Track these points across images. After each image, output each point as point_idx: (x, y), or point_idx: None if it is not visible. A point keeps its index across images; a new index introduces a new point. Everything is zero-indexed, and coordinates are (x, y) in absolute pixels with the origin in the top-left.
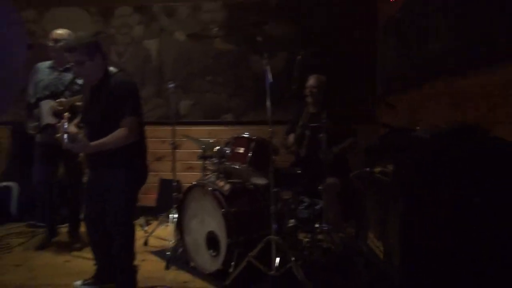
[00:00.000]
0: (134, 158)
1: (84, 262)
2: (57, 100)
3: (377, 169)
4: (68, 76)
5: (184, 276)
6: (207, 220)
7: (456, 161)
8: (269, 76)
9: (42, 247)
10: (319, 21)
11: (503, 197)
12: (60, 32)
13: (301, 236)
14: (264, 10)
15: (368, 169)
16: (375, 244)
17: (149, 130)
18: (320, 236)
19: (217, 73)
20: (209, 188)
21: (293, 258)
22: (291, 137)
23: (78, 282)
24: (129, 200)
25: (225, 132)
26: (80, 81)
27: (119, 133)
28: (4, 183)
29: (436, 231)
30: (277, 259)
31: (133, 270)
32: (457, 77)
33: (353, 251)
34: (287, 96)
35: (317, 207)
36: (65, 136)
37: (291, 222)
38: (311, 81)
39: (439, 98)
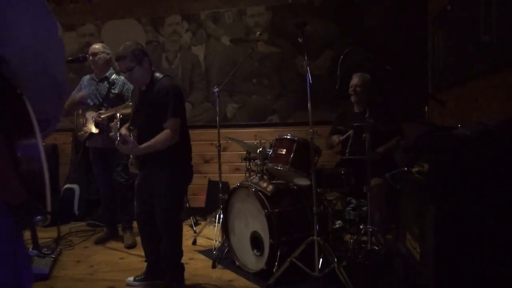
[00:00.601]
0: (178, 158)
1: (137, 259)
2: (97, 112)
3: (415, 169)
4: (103, 86)
5: (229, 275)
6: (251, 220)
7: (495, 161)
8: (309, 77)
9: (99, 241)
10: (367, 18)
11: None
12: (97, 46)
13: (347, 237)
14: (307, 10)
15: (405, 168)
16: (413, 245)
17: (197, 133)
18: (364, 238)
19: (262, 76)
20: (252, 189)
21: (336, 260)
22: (335, 137)
23: (130, 278)
24: (174, 199)
25: (270, 133)
26: (115, 91)
27: (162, 135)
28: (68, 185)
29: (470, 234)
30: (320, 260)
31: (181, 267)
32: (509, 72)
33: (394, 252)
34: (331, 96)
35: (364, 208)
36: (117, 136)
37: (338, 223)
38: (355, 79)
39: (492, 92)
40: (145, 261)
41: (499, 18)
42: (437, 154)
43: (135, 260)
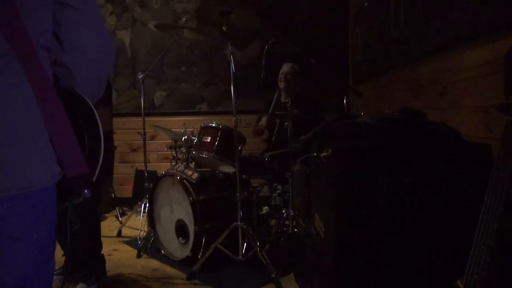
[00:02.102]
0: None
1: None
2: None
3: (323, 154)
4: None
5: (154, 263)
6: (176, 208)
7: (388, 145)
8: (233, 67)
9: None
10: (294, 11)
11: (437, 179)
12: None
13: (273, 222)
14: (236, 1)
15: (314, 153)
16: (319, 225)
17: (124, 121)
18: (287, 222)
19: (191, 63)
20: (178, 177)
21: (258, 244)
22: (265, 120)
23: None
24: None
25: (199, 122)
26: None
27: None
28: None
29: (365, 213)
30: (244, 245)
31: (101, 259)
32: (415, 65)
33: (306, 233)
34: (256, 86)
35: (289, 194)
36: None
37: (265, 209)
38: (285, 68)
39: (402, 84)
40: (63, 255)
41: (406, 16)
42: (339, 139)
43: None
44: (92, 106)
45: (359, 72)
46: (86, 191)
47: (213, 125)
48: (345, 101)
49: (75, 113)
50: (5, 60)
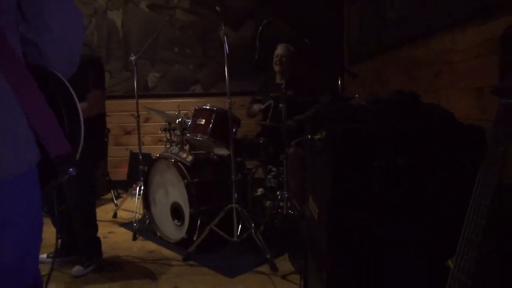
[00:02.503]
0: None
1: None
2: None
3: (317, 136)
4: None
5: (150, 245)
6: (171, 191)
7: (383, 128)
8: (226, 48)
9: None
10: None
11: (430, 161)
12: None
13: (268, 203)
14: None
15: (309, 136)
16: (313, 207)
17: (117, 103)
18: (282, 203)
19: (184, 44)
20: (172, 160)
21: (253, 225)
22: (256, 106)
23: (43, 255)
24: (82, 173)
25: (193, 104)
26: None
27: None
28: None
29: (360, 194)
30: (239, 227)
31: (97, 241)
32: (411, 46)
33: (300, 215)
34: (251, 67)
35: (283, 176)
36: None
37: (259, 190)
38: (279, 49)
39: (397, 65)
40: (58, 238)
41: None
42: (333, 122)
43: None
44: (68, 84)
45: (354, 52)
46: (71, 169)
47: (207, 107)
48: (339, 82)
49: (51, 92)
50: None
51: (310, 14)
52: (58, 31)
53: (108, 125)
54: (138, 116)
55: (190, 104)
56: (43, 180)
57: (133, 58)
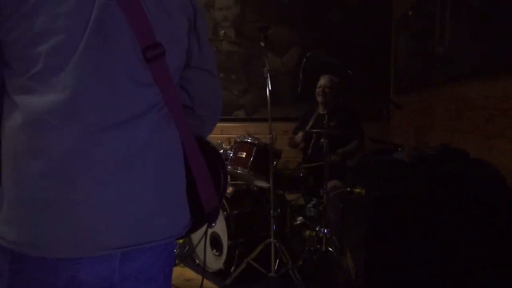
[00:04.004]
0: None
1: None
2: None
3: (356, 190)
4: None
5: (188, 273)
6: None
7: (426, 189)
8: (269, 84)
9: None
10: (331, 16)
11: (473, 235)
12: None
13: (307, 233)
14: (274, 8)
15: (348, 189)
16: (350, 264)
17: None
18: (321, 235)
19: (229, 70)
20: None
21: (290, 261)
22: (300, 135)
23: None
24: None
25: (236, 129)
26: None
27: None
28: None
29: (396, 261)
30: (277, 261)
31: None
32: (460, 84)
33: (339, 263)
34: (294, 98)
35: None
36: None
37: (299, 219)
38: (323, 80)
39: (444, 102)
40: None
41: (451, 32)
42: (373, 178)
43: None
44: (216, 149)
45: (401, 82)
46: (213, 224)
47: (249, 140)
48: (384, 113)
49: (210, 160)
50: (162, 114)
51: (357, 40)
52: (215, 105)
53: None
54: None
55: (233, 128)
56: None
57: None
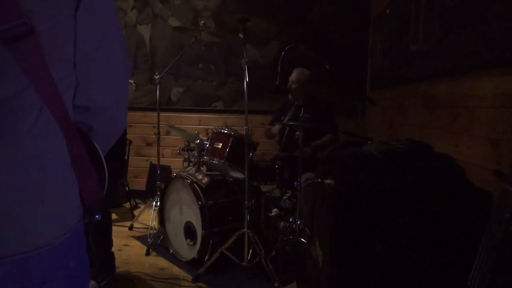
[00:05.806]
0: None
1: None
2: None
3: (327, 181)
4: None
5: (162, 262)
6: (186, 210)
7: (392, 182)
8: (247, 76)
9: None
10: (311, 11)
11: (434, 223)
12: None
13: (281, 224)
14: (256, 0)
15: (319, 179)
16: (318, 253)
17: (140, 115)
18: (294, 226)
19: (209, 61)
20: (188, 181)
21: (263, 251)
22: (277, 127)
23: None
24: None
25: (214, 120)
26: None
27: None
28: None
29: (362, 249)
30: (250, 251)
31: (111, 256)
32: (430, 82)
33: (307, 254)
34: (272, 91)
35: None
36: None
37: (274, 211)
38: (293, 74)
39: (415, 99)
40: None
41: (424, 31)
42: (342, 170)
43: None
44: (103, 159)
45: (376, 79)
46: (97, 216)
47: (225, 131)
48: (359, 108)
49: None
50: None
51: (336, 39)
52: (108, 112)
53: (131, 136)
54: (159, 133)
55: (211, 119)
56: None
57: (157, 77)
